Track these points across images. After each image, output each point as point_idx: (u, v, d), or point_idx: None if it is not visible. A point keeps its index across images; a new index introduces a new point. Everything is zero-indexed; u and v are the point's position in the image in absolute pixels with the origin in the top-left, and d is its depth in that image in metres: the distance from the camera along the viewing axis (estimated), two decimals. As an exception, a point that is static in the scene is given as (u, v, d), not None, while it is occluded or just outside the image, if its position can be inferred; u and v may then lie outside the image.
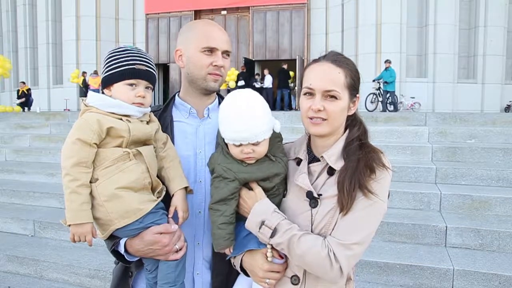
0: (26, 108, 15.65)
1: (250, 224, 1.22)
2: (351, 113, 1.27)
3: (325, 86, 1.19)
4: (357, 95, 1.27)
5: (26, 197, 5.28)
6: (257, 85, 15.35)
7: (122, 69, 1.26)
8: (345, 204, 1.15)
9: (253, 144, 1.21)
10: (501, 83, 13.79)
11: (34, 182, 5.84)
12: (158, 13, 17.51)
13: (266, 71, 15.78)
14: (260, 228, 1.19)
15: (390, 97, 12.72)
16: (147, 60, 1.31)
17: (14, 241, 4.41)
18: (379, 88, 12.73)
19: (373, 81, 12.56)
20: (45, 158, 6.89)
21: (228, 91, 14.86)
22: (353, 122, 1.30)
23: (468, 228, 3.70)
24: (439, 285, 3.26)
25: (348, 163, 1.20)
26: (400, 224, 3.85)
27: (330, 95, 1.19)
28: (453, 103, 13.07)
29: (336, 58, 1.23)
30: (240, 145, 1.21)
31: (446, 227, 3.74)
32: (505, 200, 4.08)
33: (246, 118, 1.18)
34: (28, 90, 16.02)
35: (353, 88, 1.24)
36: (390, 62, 12.27)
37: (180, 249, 1.27)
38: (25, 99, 15.68)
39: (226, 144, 1.26)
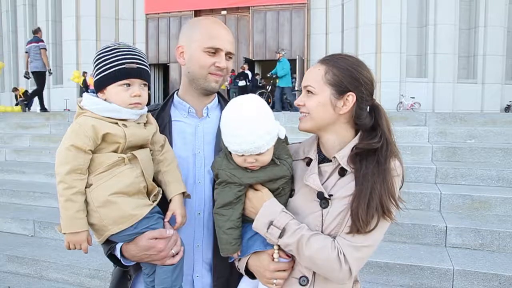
0: (26, 108, 15.60)
1: (258, 225, 1.20)
2: (342, 112, 1.21)
3: (304, 82, 1.26)
4: (348, 94, 1.21)
5: (26, 197, 5.27)
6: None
7: (113, 71, 1.20)
8: (361, 230, 1.13)
9: (256, 155, 1.18)
10: (501, 83, 13.75)
11: (34, 182, 5.83)
12: (158, 13, 17.49)
13: (245, 66, 14.74)
14: (268, 229, 1.17)
15: (286, 95, 10.42)
16: (138, 57, 1.24)
17: (14, 241, 4.40)
18: (272, 85, 10.75)
19: (268, 75, 10.78)
20: (45, 158, 6.87)
21: (228, 91, 14.83)
22: (373, 129, 1.24)
23: (468, 228, 3.70)
24: (439, 285, 3.26)
25: (363, 187, 1.14)
26: (400, 224, 3.85)
27: (307, 90, 1.24)
28: (453, 103, 13.03)
29: (326, 58, 1.27)
30: (243, 155, 1.19)
31: (446, 227, 3.74)
32: (505, 200, 4.08)
33: (247, 131, 1.13)
34: (25, 92, 15.96)
35: (340, 85, 1.20)
36: (279, 53, 10.18)
37: (177, 254, 1.24)
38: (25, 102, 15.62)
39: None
